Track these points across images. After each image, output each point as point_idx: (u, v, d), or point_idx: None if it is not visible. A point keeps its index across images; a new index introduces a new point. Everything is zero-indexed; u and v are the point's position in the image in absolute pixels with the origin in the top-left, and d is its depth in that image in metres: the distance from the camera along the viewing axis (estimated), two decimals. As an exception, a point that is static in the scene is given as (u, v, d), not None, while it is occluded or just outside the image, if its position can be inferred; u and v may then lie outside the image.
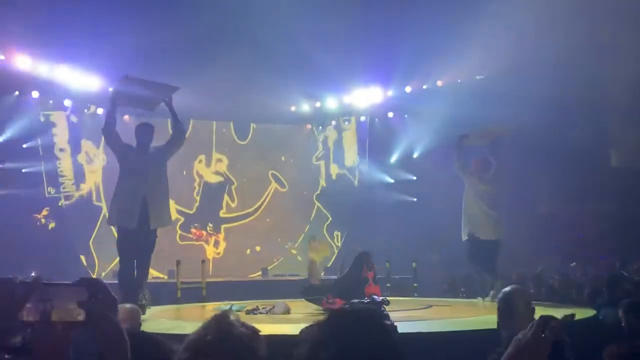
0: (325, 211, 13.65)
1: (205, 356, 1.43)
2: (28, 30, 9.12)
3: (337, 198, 13.38)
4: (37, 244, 10.27)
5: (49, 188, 11.57)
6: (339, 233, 13.37)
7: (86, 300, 1.30)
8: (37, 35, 9.33)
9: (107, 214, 6.54)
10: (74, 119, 11.92)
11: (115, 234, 6.28)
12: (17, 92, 10.94)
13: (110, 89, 6.65)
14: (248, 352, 1.51)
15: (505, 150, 7.96)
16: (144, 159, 5.99)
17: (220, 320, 1.58)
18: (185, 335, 1.56)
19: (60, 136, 11.79)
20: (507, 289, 3.02)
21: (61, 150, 11.81)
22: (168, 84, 6.15)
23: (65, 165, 11.84)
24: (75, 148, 11.92)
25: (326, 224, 13.47)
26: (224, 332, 1.52)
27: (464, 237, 6.98)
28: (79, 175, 12.00)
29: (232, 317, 1.60)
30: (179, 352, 1.53)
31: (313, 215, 13.64)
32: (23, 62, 10.27)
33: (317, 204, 13.73)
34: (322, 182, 13.86)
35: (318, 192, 13.83)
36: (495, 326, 2.95)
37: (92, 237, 11.74)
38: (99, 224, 11.53)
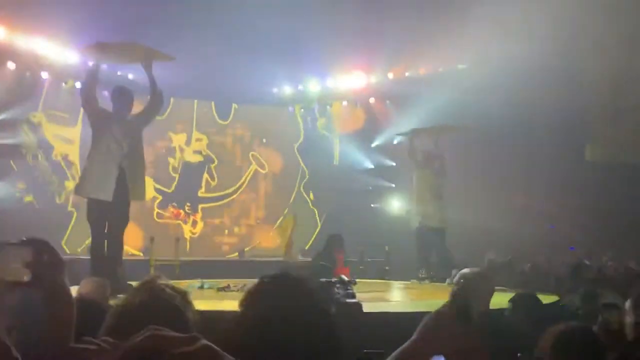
0: (304, 194, 13.70)
1: (133, 320, 1.42)
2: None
3: (318, 181, 13.42)
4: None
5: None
6: (318, 215, 13.45)
7: (31, 261, 1.29)
8: (15, 6, 9.14)
9: (77, 183, 5.83)
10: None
11: (86, 205, 5.75)
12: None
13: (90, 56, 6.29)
14: (177, 313, 1.53)
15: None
16: (121, 126, 5.55)
17: (149, 285, 1.61)
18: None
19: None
20: (466, 271, 3.09)
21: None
22: (147, 47, 5.80)
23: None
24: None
25: (306, 206, 13.54)
26: (153, 296, 1.54)
27: (415, 225, 7.28)
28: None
29: (160, 282, 1.63)
30: (107, 317, 1.54)
31: (293, 197, 13.69)
32: (-1, 32, 10.06)
33: (297, 186, 13.77)
34: (302, 165, 13.87)
35: (298, 174, 13.86)
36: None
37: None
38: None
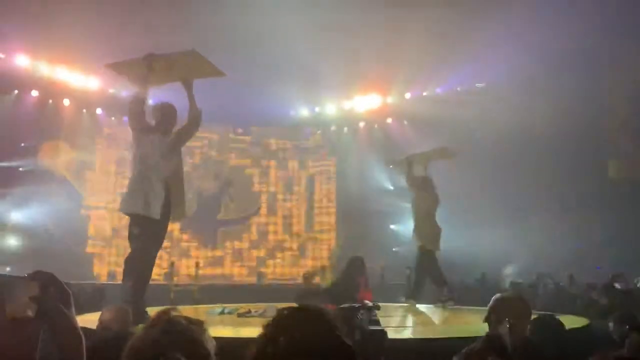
0: (323, 216, 13.65)
1: (151, 355, 1.40)
2: (27, 29, 9.14)
3: (337, 203, 13.39)
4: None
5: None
6: (336, 238, 13.37)
7: (37, 295, 1.28)
8: (37, 35, 9.35)
9: (123, 199, 5.38)
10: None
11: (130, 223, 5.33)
12: (16, 91, 10.97)
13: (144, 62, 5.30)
14: (195, 346, 1.50)
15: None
16: (166, 141, 5.34)
17: (165, 318, 1.58)
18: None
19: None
20: (499, 295, 2.98)
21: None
22: (202, 57, 5.47)
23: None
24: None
25: (323, 227, 13.48)
26: (170, 330, 1.51)
27: (417, 247, 7.28)
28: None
29: (174, 313, 1.60)
30: (124, 352, 1.51)
31: (310, 218, 13.66)
32: (22, 61, 10.30)
33: (316, 208, 13.73)
34: (320, 186, 13.85)
35: (317, 195, 13.83)
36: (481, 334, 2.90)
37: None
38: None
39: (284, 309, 1.34)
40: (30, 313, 1.26)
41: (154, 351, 1.46)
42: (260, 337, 1.31)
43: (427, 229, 7.21)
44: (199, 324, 1.62)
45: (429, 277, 7.24)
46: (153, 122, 5.36)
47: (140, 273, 5.07)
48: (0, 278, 1.29)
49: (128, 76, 5.72)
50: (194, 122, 5.57)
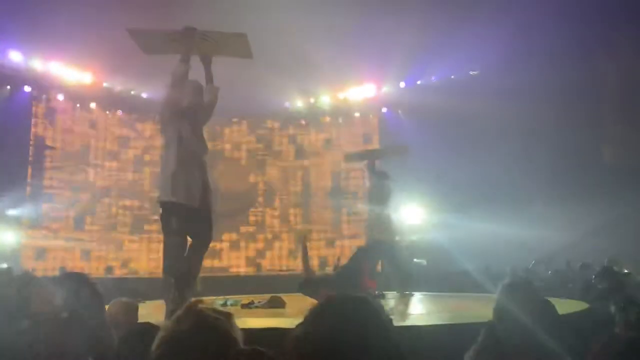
0: (320, 206, 13.69)
1: (182, 348, 1.43)
2: (21, 26, 9.06)
3: (332, 192, 13.41)
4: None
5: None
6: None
7: (69, 296, 1.30)
8: (30, 31, 9.28)
9: (161, 190, 4.89)
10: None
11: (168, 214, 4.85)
12: (8, 87, 10.89)
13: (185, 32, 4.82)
14: (225, 337, 1.53)
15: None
16: (200, 122, 5.01)
17: (194, 311, 1.60)
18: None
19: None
20: (507, 281, 3.02)
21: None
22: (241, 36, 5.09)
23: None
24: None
25: (321, 217, 13.52)
26: (199, 322, 1.54)
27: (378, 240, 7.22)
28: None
29: (202, 306, 1.63)
30: (155, 346, 1.52)
31: (307, 208, 13.70)
32: (15, 56, 10.22)
33: (312, 196, 13.76)
34: (315, 178, 13.87)
35: (313, 186, 13.85)
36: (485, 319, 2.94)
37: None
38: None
39: (330, 296, 1.35)
40: (64, 314, 1.28)
41: (185, 343, 1.49)
42: (304, 324, 1.32)
43: (382, 220, 7.21)
44: (227, 316, 1.65)
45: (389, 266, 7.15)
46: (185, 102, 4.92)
47: (182, 267, 4.69)
48: (26, 276, 1.31)
49: (151, 46, 5.28)
50: (215, 99, 5.24)
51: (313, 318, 1.34)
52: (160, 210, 4.78)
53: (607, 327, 3.67)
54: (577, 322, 4.29)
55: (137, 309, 3.95)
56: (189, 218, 4.64)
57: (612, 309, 3.64)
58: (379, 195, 7.24)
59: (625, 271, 6.94)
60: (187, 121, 4.83)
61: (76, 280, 1.37)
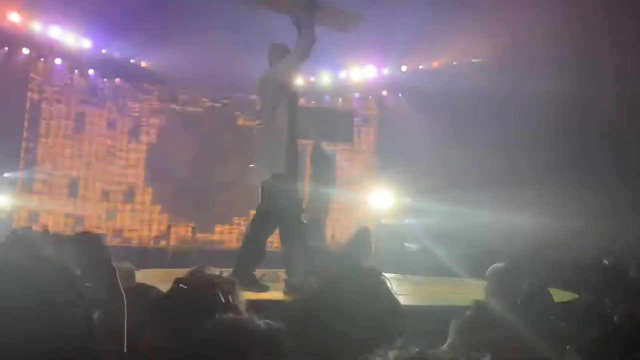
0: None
1: (183, 309, 1.44)
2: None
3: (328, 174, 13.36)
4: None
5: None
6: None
7: (81, 256, 1.30)
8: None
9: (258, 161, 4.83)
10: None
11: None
12: (6, 48, 10.73)
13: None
14: (226, 301, 1.53)
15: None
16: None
17: (198, 275, 1.60)
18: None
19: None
20: (497, 265, 3.07)
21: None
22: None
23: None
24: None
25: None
26: (203, 286, 1.54)
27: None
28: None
29: (207, 272, 1.63)
30: (157, 307, 1.52)
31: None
32: (14, 17, 10.06)
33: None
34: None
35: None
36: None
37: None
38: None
39: (339, 268, 1.37)
40: (77, 272, 1.28)
41: (187, 308, 1.49)
42: (312, 295, 1.33)
43: (322, 201, 7.36)
44: (230, 283, 1.64)
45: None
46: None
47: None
48: (39, 235, 1.30)
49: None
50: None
51: (322, 289, 1.35)
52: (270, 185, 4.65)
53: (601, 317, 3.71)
54: (568, 310, 4.34)
55: (134, 273, 3.97)
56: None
57: (606, 301, 3.68)
58: (324, 174, 7.36)
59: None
60: (288, 100, 4.81)
61: (90, 240, 1.37)
